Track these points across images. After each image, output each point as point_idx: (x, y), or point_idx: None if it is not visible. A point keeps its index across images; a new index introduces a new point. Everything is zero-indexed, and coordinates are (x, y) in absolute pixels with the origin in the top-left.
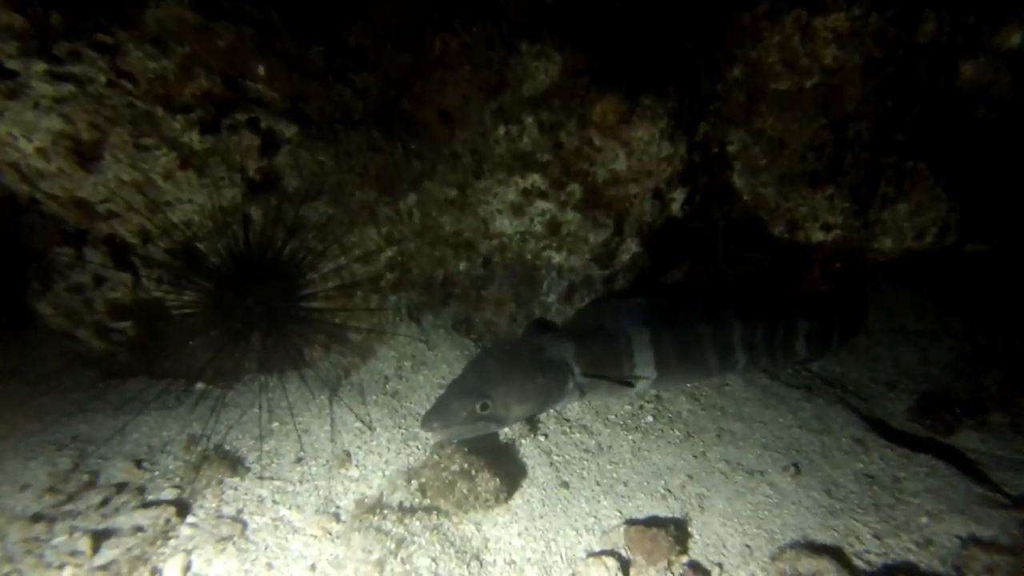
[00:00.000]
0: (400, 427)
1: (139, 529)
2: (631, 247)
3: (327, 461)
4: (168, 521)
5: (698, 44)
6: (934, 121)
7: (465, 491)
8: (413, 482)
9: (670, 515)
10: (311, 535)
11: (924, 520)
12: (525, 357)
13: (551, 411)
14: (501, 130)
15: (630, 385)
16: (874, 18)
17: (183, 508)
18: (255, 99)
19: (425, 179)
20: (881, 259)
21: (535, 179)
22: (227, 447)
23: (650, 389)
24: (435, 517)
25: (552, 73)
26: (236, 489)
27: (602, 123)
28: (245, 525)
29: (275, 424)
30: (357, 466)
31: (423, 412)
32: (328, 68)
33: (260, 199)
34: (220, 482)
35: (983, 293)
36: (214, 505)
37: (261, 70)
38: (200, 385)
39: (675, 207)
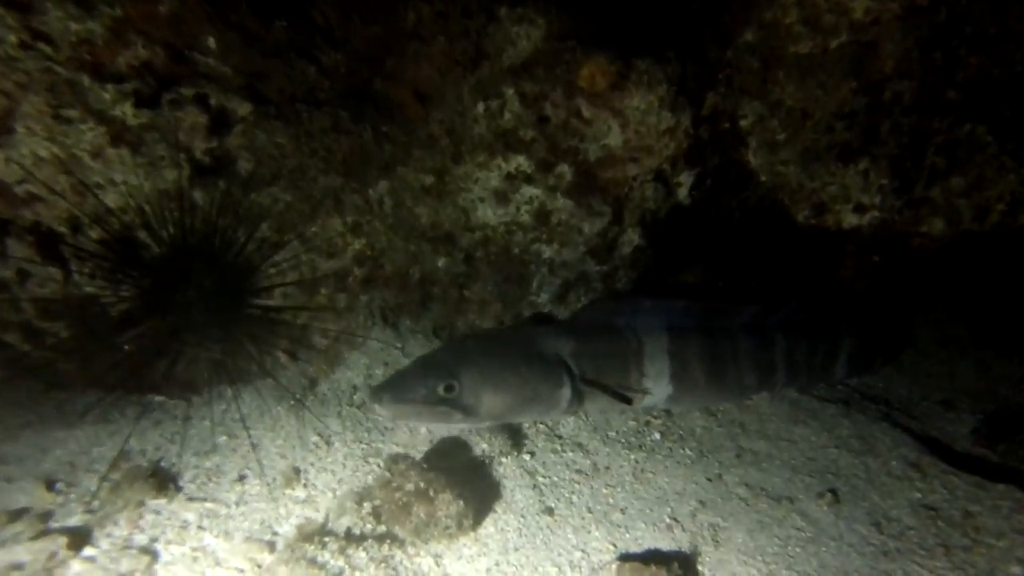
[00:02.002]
0: (362, 441)
1: (17, 567)
2: (632, 239)
3: (273, 479)
4: (54, 555)
5: (704, 5)
6: (999, 75)
7: (423, 516)
8: (365, 504)
9: (676, 549)
10: (235, 568)
11: (1017, 570)
12: (510, 343)
13: (541, 423)
14: (480, 107)
15: (627, 400)
16: None
17: (83, 538)
18: (205, 74)
19: (398, 165)
20: (930, 246)
21: (520, 161)
22: (163, 463)
23: (663, 406)
24: (387, 547)
25: (535, 38)
26: (159, 513)
27: (590, 89)
28: (156, 556)
29: (223, 438)
30: (306, 485)
31: (391, 425)
32: (291, 44)
33: (209, 183)
34: (141, 504)
35: None
36: (125, 533)
37: (212, 42)
38: (154, 397)
39: (682, 192)
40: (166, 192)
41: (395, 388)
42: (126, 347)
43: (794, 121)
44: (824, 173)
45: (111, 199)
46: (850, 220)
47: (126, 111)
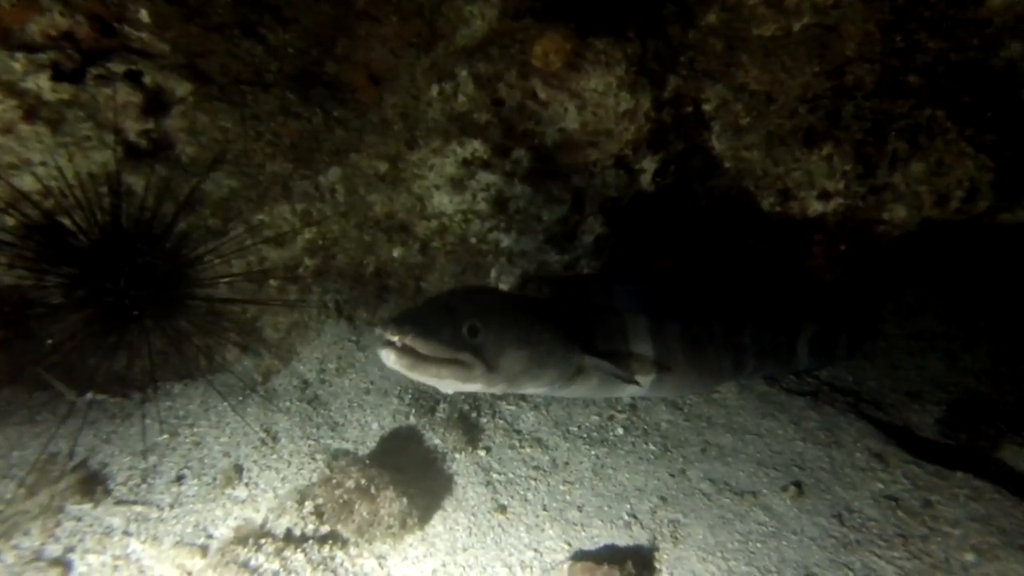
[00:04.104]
0: (310, 438)
1: None
2: (594, 227)
3: (213, 479)
4: None
5: None
6: (957, 60)
7: (366, 514)
8: (307, 503)
9: (633, 547)
10: None
11: (970, 558)
12: (522, 300)
13: (500, 417)
14: (435, 89)
15: (633, 381)
16: None
17: None
18: (138, 49)
19: (351, 150)
20: (894, 233)
21: (475, 146)
22: (94, 465)
23: (645, 392)
24: (328, 548)
25: (489, 17)
26: (79, 519)
27: (545, 68)
28: (68, 568)
29: (164, 436)
30: (247, 484)
31: (341, 420)
32: (236, 21)
33: (145, 167)
34: (59, 510)
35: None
36: (36, 543)
37: (144, 15)
38: (90, 395)
39: (645, 179)
40: (95, 175)
41: (417, 324)
42: (50, 341)
43: (758, 105)
44: (789, 159)
45: (28, 181)
46: (815, 207)
47: (41, 84)
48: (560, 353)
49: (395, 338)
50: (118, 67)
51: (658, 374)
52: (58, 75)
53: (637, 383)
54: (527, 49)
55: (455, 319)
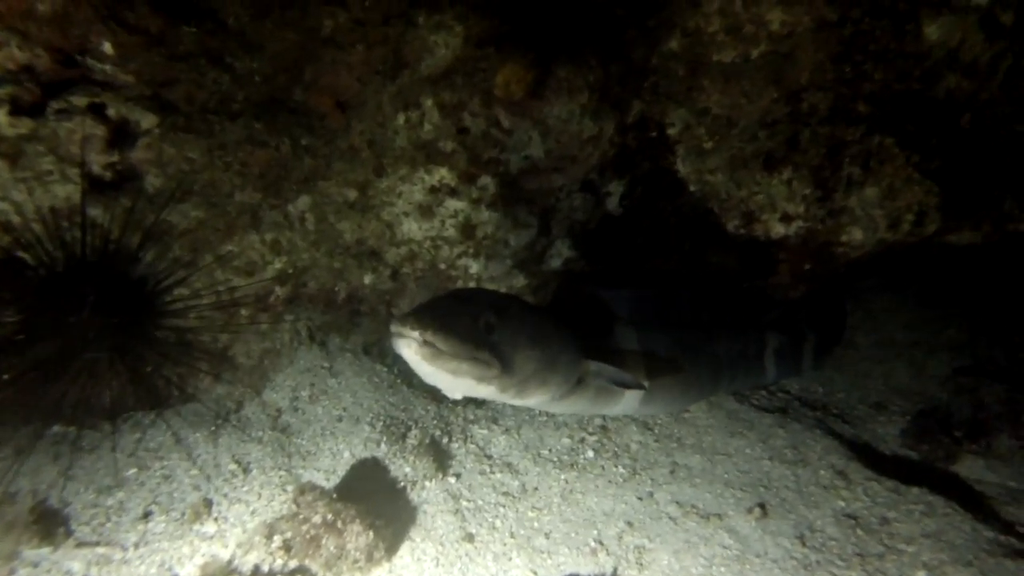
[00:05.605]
0: (281, 468)
1: None
2: (562, 251)
3: (181, 514)
4: None
5: (628, 11)
6: (901, 91)
7: (334, 548)
8: (275, 538)
9: (598, 574)
10: None
11: (922, 575)
12: (528, 304)
13: (472, 441)
14: (401, 118)
15: (640, 385)
16: None
17: None
18: (101, 81)
19: (319, 178)
20: (853, 254)
21: (443, 173)
22: (55, 504)
23: (635, 408)
24: None
25: (453, 46)
26: (36, 565)
27: (507, 97)
28: None
29: (132, 471)
30: (216, 519)
31: (313, 449)
32: (202, 50)
33: (109, 200)
34: (14, 556)
35: (980, 295)
36: None
37: (108, 47)
38: (57, 428)
39: (612, 202)
40: (57, 209)
41: (437, 319)
42: (5, 376)
43: (720, 128)
44: (751, 182)
45: None
46: (778, 230)
47: (0, 119)
48: (568, 355)
49: (414, 333)
50: (80, 100)
51: (651, 383)
52: (17, 109)
53: (644, 386)
54: (490, 78)
55: (471, 314)
